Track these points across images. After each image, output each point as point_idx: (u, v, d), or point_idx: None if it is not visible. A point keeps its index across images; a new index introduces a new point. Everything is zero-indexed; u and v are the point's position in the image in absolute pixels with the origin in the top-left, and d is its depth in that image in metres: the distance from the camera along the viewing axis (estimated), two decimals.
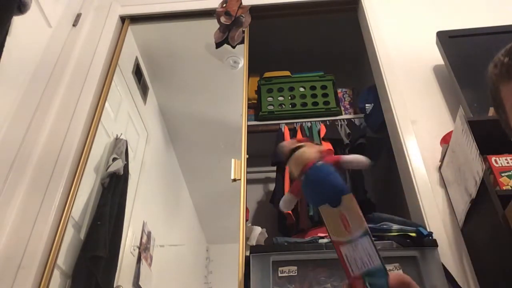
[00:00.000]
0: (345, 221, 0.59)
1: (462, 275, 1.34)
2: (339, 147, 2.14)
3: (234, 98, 2.09)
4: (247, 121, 1.94)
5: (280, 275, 1.31)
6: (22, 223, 1.48)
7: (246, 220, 1.73)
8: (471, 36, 1.89)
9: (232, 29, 2.18)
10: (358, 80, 2.64)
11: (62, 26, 2.07)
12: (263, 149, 2.15)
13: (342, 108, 2.42)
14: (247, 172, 1.73)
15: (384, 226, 1.42)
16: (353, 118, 2.34)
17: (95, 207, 1.83)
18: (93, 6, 2.26)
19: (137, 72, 2.54)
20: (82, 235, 1.76)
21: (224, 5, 2.20)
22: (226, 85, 2.72)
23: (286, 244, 1.42)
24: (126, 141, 2.11)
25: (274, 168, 2.22)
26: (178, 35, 2.58)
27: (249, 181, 1.81)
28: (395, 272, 0.58)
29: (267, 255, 1.34)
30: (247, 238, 1.62)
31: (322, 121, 2.28)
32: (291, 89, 2.44)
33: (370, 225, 1.41)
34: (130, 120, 2.40)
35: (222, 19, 2.16)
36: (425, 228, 1.42)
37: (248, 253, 1.37)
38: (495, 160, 1.32)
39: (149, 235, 2.34)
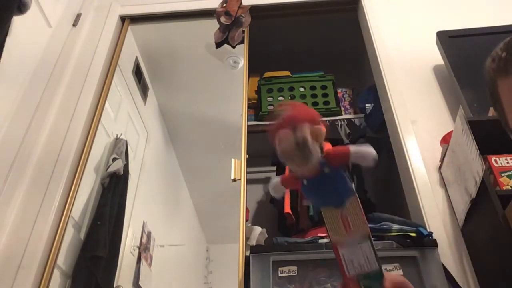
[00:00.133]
0: (346, 222, 0.58)
1: (462, 275, 1.34)
2: None
3: (234, 98, 2.09)
4: (247, 121, 1.94)
5: (280, 275, 1.31)
6: (22, 223, 1.48)
7: (246, 220, 1.73)
8: (471, 36, 1.89)
9: (232, 29, 2.18)
10: (358, 80, 2.64)
11: (62, 26, 2.07)
12: (263, 149, 2.13)
13: (342, 108, 2.42)
14: (247, 172, 1.73)
15: (384, 226, 1.42)
16: (353, 118, 2.34)
17: (95, 207, 1.83)
18: (93, 6, 2.26)
19: (137, 72, 2.54)
20: (82, 235, 1.75)
21: (224, 5, 2.20)
22: (226, 85, 2.72)
23: (286, 244, 1.42)
24: (126, 141, 2.11)
25: (274, 168, 2.21)
26: (178, 35, 2.58)
27: (249, 181, 1.81)
28: (391, 274, 0.58)
29: (267, 255, 1.34)
30: (247, 238, 1.62)
31: (322, 121, 2.28)
32: (291, 89, 2.44)
33: (370, 225, 1.42)
34: (130, 120, 2.40)
35: (222, 19, 2.16)
36: (425, 228, 1.42)
37: (248, 253, 1.37)
38: (495, 160, 1.32)
39: (149, 235, 2.34)
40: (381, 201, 2.22)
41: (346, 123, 2.29)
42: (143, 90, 2.61)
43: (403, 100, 1.82)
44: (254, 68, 2.24)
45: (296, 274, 1.31)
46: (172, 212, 3.00)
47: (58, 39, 2.02)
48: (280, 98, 2.41)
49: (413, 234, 1.37)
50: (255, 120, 2.35)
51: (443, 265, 1.31)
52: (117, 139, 2.10)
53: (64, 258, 1.60)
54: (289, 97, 2.41)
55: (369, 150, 0.57)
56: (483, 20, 1.96)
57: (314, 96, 2.40)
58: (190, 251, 3.23)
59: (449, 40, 1.89)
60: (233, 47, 2.20)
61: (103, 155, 1.99)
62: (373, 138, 2.19)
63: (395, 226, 1.41)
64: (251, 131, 1.93)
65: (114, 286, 1.82)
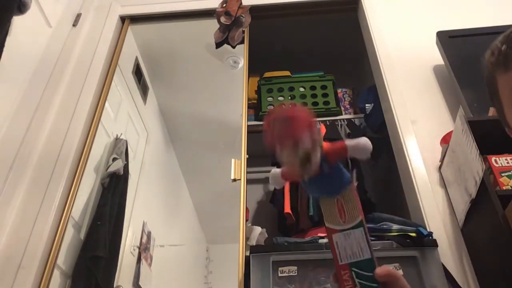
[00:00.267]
0: (341, 210, 0.59)
1: (462, 275, 1.34)
2: None
3: (234, 98, 2.09)
4: (247, 121, 1.94)
5: (280, 275, 1.31)
6: (22, 223, 1.48)
7: (246, 220, 1.73)
8: (471, 36, 1.89)
9: (232, 29, 2.18)
10: (358, 80, 2.64)
11: (62, 26, 2.07)
12: (263, 149, 2.13)
13: (342, 108, 2.42)
14: (247, 172, 1.73)
15: (384, 226, 1.41)
16: (353, 118, 2.34)
17: (95, 207, 1.83)
18: (93, 6, 2.26)
19: (137, 72, 2.54)
20: (82, 235, 1.75)
21: (224, 5, 2.20)
22: (226, 85, 2.72)
23: (286, 244, 1.42)
24: (126, 141, 2.11)
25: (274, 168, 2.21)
26: (178, 35, 2.58)
27: (249, 181, 1.81)
28: (384, 266, 0.57)
29: (267, 255, 1.34)
30: (247, 238, 1.62)
31: (322, 121, 2.28)
32: (291, 89, 2.44)
33: (370, 225, 1.42)
34: (130, 120, 2.40)
35: (222, 19, 2.16)
36: (425, 228, 1.42)
37: (248, 253, 1.37)
38: (495, 160, 1.32)
39: (149, 235, 2.34)
40: (381, 201, 2.21)
41: (346, 123, 2.29)
42: (143, 90, 2.61)
43: (403, 100, 1.82)
44: (254, 68, 2.24)
45: (296, 274, 1.31)
46: (172, 212, 3.00)
47: (58, 39, 2.02)
48: (280, 98, 2.41)
49: (413, 234, 1.37)
50: (255, 120, 2.35)
51: (443, 265, 1.31)
52: (117, 139, 2.10)
53: (64, 258, 1.60)
54: (289, 97, 2.41)
55: (364, 141, 0.58)
56: (483, 20, 1.96)
57: (314, 96, 2.40)
58: (190, 251, 3.23)
59: (449, 40, 1.89)
60: (233, 47, 2.20)
61: (103, 155, 1.99)
62: (373, 138, 2.18)
63: (395, 226, 1.41)
64: (251, 131, 1.93)
65: (114, 286, 1.82)
